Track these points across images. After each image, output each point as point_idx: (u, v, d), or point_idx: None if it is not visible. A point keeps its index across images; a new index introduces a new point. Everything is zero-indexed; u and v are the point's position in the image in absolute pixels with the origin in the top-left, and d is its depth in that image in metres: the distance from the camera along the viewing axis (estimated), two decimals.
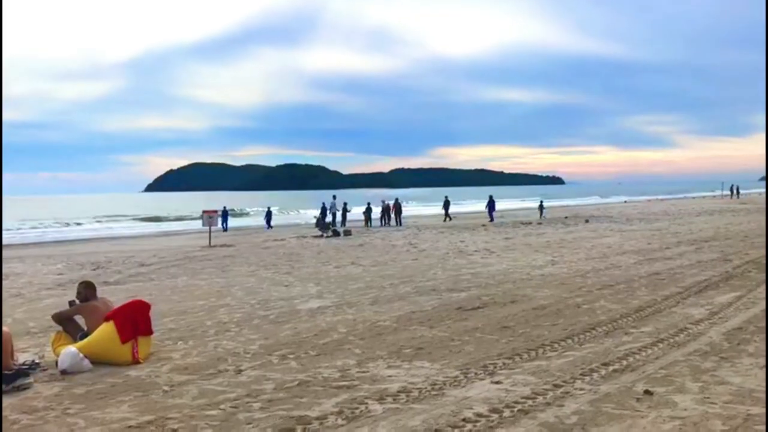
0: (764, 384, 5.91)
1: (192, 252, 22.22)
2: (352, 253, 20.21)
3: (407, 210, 40.63)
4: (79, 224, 56.39)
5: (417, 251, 19.99)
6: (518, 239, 23.48)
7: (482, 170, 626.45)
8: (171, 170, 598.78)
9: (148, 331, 7.56)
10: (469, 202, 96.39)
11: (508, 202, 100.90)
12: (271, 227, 37.93)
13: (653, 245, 19.42)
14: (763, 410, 5.26)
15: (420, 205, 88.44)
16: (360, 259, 17.98)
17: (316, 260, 18.25)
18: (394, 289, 12.12)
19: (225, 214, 38.10)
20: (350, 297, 11.41)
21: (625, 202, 74.47)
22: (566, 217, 38.71)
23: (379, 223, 36.84)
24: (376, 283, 13.11)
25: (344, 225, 36.20)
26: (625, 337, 7.87)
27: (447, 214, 39.68)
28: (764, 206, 40.90)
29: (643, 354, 7.08)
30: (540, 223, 32.97)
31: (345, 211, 38.20)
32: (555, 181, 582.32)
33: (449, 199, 41.35)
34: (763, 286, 11.05)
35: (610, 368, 6.57)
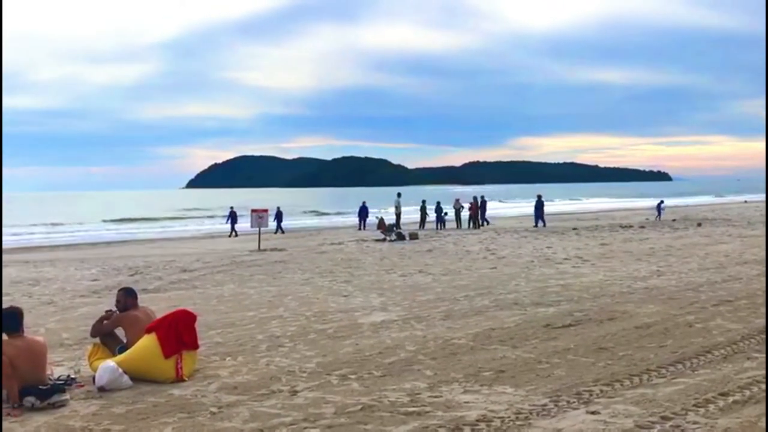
0: None
1: (239, 256, 22.72)
2: (420, 259, 20.27)
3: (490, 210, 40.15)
4: (113, 224, 58.41)
5: (496, 258, 19.89)
6: (616, 245, 23.06)
7: (572, 164, 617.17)
8: (215, 164, 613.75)
9: (194, 345, 7.77)
10: (555, 202, 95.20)
11: (605, 201, 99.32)
12: (283, 231, 38.08)
13: None
14: None
15: (501, 204, 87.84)
16: (429, 267, 18.02)
17: (379, 267, 18.39)
18: (470, 302, 12.11)
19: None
20: (419, 310, 11.46)
21: (746, 201, 72.05)
22: (674, 220, 37.73)
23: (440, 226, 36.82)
24: (448, 294, 13.13)
25: (423, 227, 36.37)
26: (747, 363, 7.65)
27: (482, 218, 38.06)
28: None
29: None
30: (642, 227, 32.27)
31: (424, 212, 38.11)
32: (659, 176, 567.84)
33: (485, 198, 39.12)
34: None
35: (730, 399, 6.39)
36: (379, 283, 15.17)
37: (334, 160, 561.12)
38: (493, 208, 67.21)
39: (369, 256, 21.87)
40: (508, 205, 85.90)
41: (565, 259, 19.16)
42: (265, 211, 29.02)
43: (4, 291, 14.37)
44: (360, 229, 37.94)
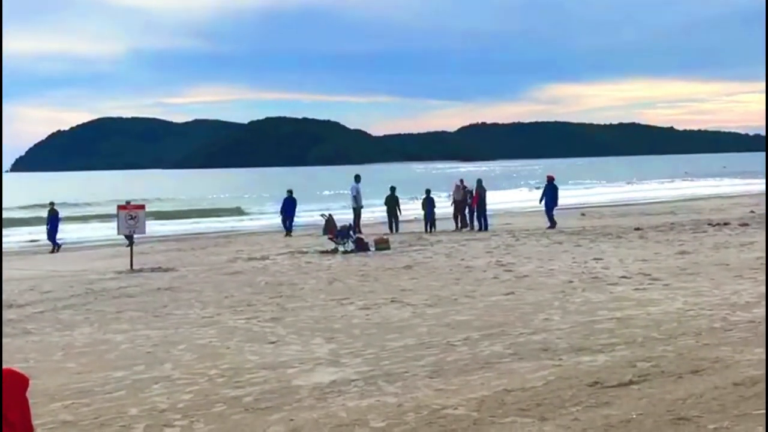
0: None
1: (100, 282, 22.58)
2: (393, 281, 20.31)
3: (494, 202, 40.27)
4: None
5: (513, 278, 20.00)
6: (704, 254, 23.28)
7: (633, 125, 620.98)
8: (59, 132, 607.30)
9: (25, 426, 7.70)
10: (607, 186, 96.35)
11: (686, 184, 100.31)
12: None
13: None
14: None
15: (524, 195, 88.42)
16: (407, 294, 18.07)
17: (327, 295, 18.39)
18: (472, 349, 12.16)
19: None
20: (390, 363, 11.48)
21: None
22: None
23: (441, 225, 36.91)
24: (437, 336, 13.18)
25: (394, 229, 36.45)
26: None
27: (478, 217, 37.71)
28: None
29: None
30: (746, 224, 32.54)
31: (393, 205, 38.08)
32: None
33: (482, 184, 38.55)
34: None
35: None
36: (327, 320, 15.16)
37: (254, 123, 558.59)
38: (509, 202, 67.74)
39: (311, 277, 21.85)
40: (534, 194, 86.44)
41: (624, 277, 19.29)
42: (141, 207, 28.83)
43: None
44: (288, 234, 38.03)
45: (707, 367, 10.54)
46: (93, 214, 64.16)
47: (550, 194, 37.60)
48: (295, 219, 40.31)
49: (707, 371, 10.37)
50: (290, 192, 40.62)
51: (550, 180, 38.24)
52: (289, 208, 39.80)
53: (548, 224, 36.14)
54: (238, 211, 72.80)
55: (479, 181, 38.53)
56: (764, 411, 8.73)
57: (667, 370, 10.46)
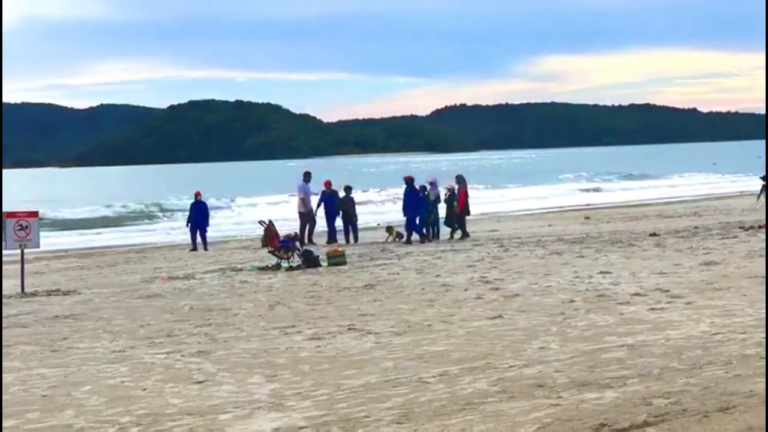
0: None
1: None
2: (349, 304, 20.36)
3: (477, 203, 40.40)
4: None
5: (501, 297, 20.09)
6: (734, 265, 23.39)
7: (647, 107, 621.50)
8: None
9: None
10: (613, 182, 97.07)
11: (712, 180, 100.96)
12: None
13: None
14: None
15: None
16: (368, 320, 18.11)
17: (267, 322, 18.39)
18: (450, 386, 12.17)
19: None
20: (348, 406, 11.47)
21: None
22: None
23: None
24: (406, 372, 13.19)
25: (355, 237, 36.61)
26: None
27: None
28: None
29: None
30: None
31: (349, 209, 38.10)
32: None
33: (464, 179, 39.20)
34: None
35: None
36: (268, 354, 15.15)
37: (175, 108, 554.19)
38: (495, 203, 67.99)
39: (247, 300, 21.85)
40: (528, 191, 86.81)
41: (636, 295, 19.37)
42: (34, 215, 28.61)
43: None
44: (194, 248, 37.99)
45: (739, 404, 10.50)
46: None
47: (411, 200, 36.87)
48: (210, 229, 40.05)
49: (739, 408, 10.33)
50: (197, 195, 39.92)
51: (409, 181, 37.49)
52: (199, 216, 39.57)
53: (399, 236, 36.59)
54: (155, 219, 72.56)
55: (460, 178, 38.42)
56: None
57: (690, 408, 10.43)
